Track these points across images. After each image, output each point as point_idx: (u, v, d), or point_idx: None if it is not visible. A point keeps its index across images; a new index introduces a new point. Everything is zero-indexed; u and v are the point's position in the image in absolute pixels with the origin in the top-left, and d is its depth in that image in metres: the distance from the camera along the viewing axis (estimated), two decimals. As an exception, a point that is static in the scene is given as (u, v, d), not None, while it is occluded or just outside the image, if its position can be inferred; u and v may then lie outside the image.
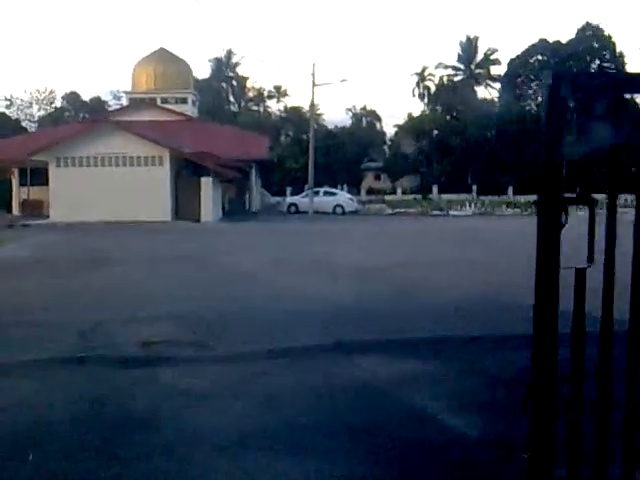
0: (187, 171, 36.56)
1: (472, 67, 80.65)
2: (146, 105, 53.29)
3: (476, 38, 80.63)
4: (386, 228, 33.88)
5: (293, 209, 46.70)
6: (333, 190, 51.19)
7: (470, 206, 50.02)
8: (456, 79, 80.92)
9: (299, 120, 78.50)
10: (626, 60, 79.42)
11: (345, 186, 62.14)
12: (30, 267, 16.99)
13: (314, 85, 42.21)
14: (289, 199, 49.97)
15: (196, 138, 41.49)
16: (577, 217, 2.91)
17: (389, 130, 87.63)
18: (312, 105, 42.73)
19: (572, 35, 79.57)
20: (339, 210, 45.70)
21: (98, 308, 10.76)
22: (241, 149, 44.58)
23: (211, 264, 16.99)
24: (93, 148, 35.36)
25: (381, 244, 23.88)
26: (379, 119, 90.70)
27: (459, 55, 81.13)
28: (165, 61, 58.46)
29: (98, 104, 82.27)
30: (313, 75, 42.06)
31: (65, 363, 7.29)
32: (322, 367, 7.11)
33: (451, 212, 47.67)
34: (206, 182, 35.43)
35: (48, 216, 35.41)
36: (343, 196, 48.52)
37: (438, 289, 12.70)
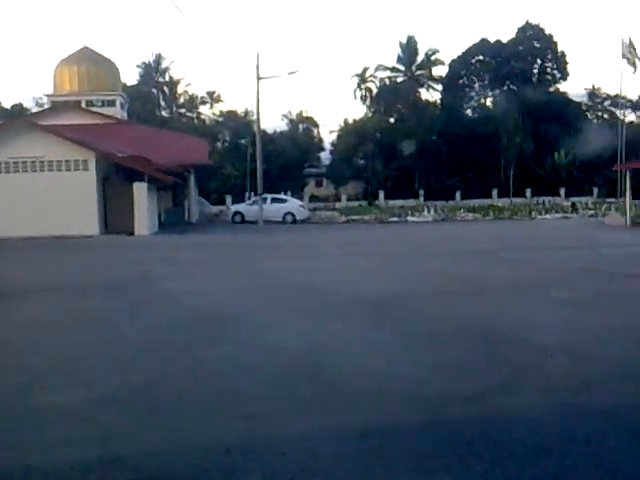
0: (118, 177, 30.59)
1: (413, 69, 75.94)
2: (70, 108, 46.72)
3: (415, 38, 75.99)
4: (354, 238, 28.54)
5: (238, 218, 40.66)
6: (282, 196, 45.44)
7: (429, 212, 45.06)
8: (398, 80, 76.08)
9: (235, 125, 72.78)
10: (567, 59, 76.33)
11: (289, 193, 56.51)
12: None
13: (259, 78, 36.32)
14: (234, 207, 43.89)
15: (128, 142, 35.54)
16: None
17: (326, 137, 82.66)
18: (258, 100, 36.73)
19: (512, 35, 75.99)
20: (289, 218, 40.03)
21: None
22: (178, 153, 38.73)
23: (160, 302, 11.24)
24: (5, 152, 29.00)
25: (370, 259, 18.41)
26: (316, 125, 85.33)
27: (399, 56, 76.33)
28: (89, 60, 52.00)
29: (20, 111, 74.77)
30: (257, 67, 36.15)
31: None
32: None
33: (409, 218, 42.69)
34: (140, 188, 29.45)
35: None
36: (294, 203, 42.73)
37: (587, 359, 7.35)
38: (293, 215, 40.26)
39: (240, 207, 42.54)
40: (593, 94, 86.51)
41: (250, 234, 30.67)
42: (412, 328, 8.48)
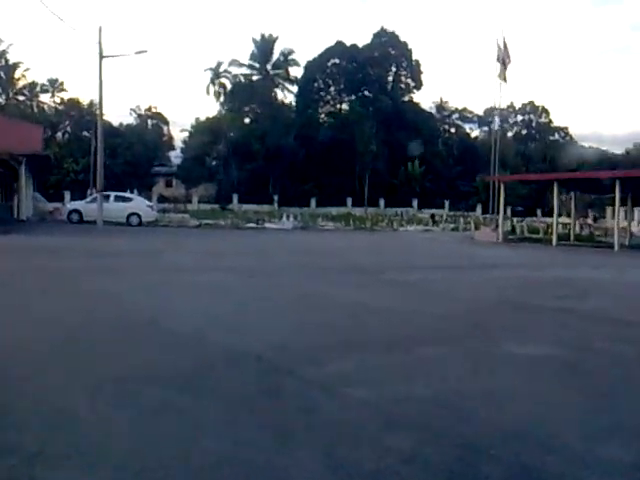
0: None
1: (268, 67, 72.11)
2: None
3: (271, 36, 72.09)
4: (210, 245, 24.21)
5: (76, 217, 35.10)
6: (127, 195, 40.13)
7: (288, 219, 41.30)
8: (253, 78, 71.96)
9: (78, 116, 66.26)
10: (422, 69, 75.02)
11: (135, 191, 51.08)
12: None
13: (101, 56, 31.06)
14: (70, 205, 38.23)
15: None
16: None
17: (177, 135, 77.29)
18: (100, 81, 31.44)
19: (368, 40, 73.83)
20: (135, 220, 34.99)
21: None
22: (6, 140, 32.94)
23: None
24: None
25: (235, 276, 14.07)
26: (166, 122, 79.76)
27: (253, 53, 72.23)
28: None
29: None
30: (100, 44, 30.89)
31: None
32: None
33: (267, 225, 38.81)
34: (-49, 178, 23.90)
35: None
36: (140, 203, 37.54)
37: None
38: (139, 216, 35.30)
39: (78, 205, 36.98)
40: (440, 107, 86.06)
41: (84, 237, 25.54)
42: (341, 449, 4.46)
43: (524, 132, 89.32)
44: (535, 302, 11.51)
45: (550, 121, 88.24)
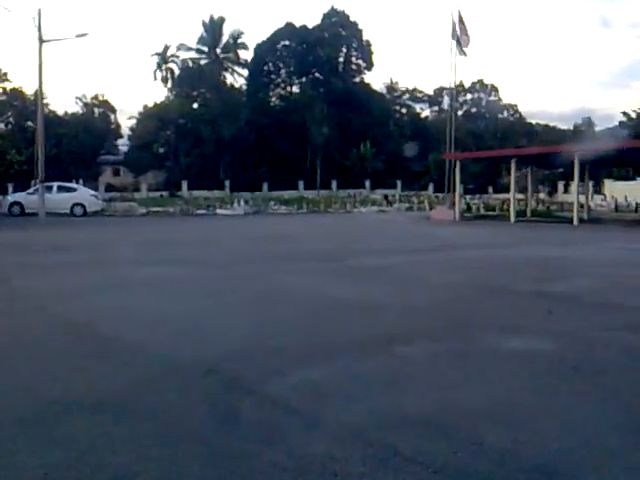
0: None
1: (217, 51, 70.01)
2: None
3: (220, 18, 69.84)
4: (158, 235, 22.82)
5: (17, 210, 33.43)
6: (71, 185, 38.14)
7: (239, 204, 39.91)
8: (202, 62, 69.79)
9: (22, 106, 63.49)
10: (373, 49, 73.60)
11: (81, 181, 48.94)
12: None
13: (41, 41, 29.24)
14: (11, 197, 36.38)
15: None
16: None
17: (125, 123, 74.71)
18: (40, 67, 29.58)
19: (318, 20, 72.14)
20: (79, 210, 33.36)
21: None
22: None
23: None
24: None
25: (188, 269, 12.75)
26: (113, 110, 77.02)
27: (202, 37, 69.95)
28: None
29: None
30: (39, 28, 29.06)
31: None
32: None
33: (218, 211, 37.43)
34: None
35: None
36: (84, 192, 35.74)
37: None
38: (83, 206, 33.68)
39: (19, 196, 35.23)
40: (391, 88, 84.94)
41: (23, 230, 23.89)
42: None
43: (473, 110, 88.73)
44: (512, 286, 10.53)
45: (499, 99, 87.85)
